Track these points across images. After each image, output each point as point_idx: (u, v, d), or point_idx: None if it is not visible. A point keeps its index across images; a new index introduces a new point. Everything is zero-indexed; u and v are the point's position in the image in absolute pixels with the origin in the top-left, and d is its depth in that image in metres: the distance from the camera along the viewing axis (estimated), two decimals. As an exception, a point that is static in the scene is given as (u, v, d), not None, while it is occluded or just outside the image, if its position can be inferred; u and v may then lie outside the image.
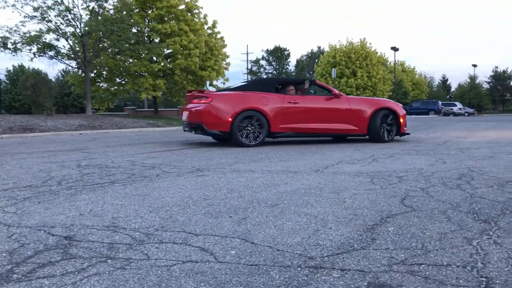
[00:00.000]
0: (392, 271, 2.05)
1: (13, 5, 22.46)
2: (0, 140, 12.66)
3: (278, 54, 58.35)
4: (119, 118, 23.99)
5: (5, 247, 2.47)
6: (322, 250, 2.37)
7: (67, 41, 24.35)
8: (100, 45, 25.49)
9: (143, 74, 27.88)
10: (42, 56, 24.02)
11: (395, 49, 53.45)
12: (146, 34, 28.56)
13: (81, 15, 24.09)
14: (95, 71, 27.52)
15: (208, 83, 31.03)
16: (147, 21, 29.06)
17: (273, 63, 58.86)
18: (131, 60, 27.34)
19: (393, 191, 4.00)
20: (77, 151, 8.55)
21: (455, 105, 53.48)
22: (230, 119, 8.78)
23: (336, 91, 9.97)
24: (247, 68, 60.62)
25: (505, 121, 26.07)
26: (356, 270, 2.07)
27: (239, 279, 1.97)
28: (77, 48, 25.06)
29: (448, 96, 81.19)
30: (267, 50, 58.97)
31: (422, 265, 2.12)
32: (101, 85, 29.53)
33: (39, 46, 23.36)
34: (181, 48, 27.61)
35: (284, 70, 58.73)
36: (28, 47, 23.06)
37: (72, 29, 24.23)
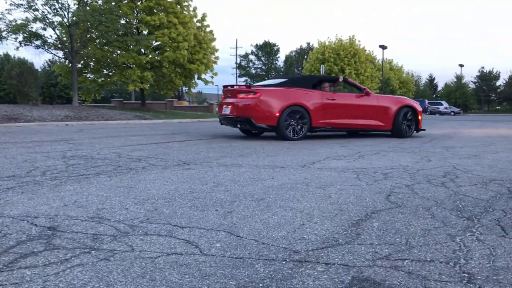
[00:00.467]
0: (376, 266, 2.07)
1: (-1, -7, 22.09)
2: (-17, 130, 12.47)
3: (267, 49, 58.24)
4: (106, 109, 23.79)
5: (-14, 236, 2.44)
6: (307, 244, 2.38)
7: (54, 30, 24.05)
8: (88, 36, 25.22)
9: (131, 66, 27.63)
10: (28, 45, 23.69)
11: (383, 47, 53.73)
12: (135, 26, 28.30)
13: (68, 5, 23.81)
14: (82, 62, 27.20)
15: (196, 76, 30.87)
16: (135, 12, 28.78)
17: (262, 58, 58.72)
18: (119, 52, 27.07)
19: (378, 187, 4.02)
20: (62, 142, 8.46)
21: (442, 104, 54.00)
22: (277, 114, 9.21)
23: (367, 89, 10.61)
24: (236, 63, 60.44)
25: (490, 121, 26.39)
26: (341, 265, 2.08)
27: (223, 272, 1.97)
28: (64, 38, 24.75)
29: (434, 95, 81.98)
30: (257, 45, 58.89)
31: (406, 261, 2.14)
32: (88, 76, 29.21)
33: (25, 35, 23.04)
34: (170, 41, 27.41)
35: (273, 66, 58.65)
36: (13, 36, 22.74)
37: (59, 19, 23.93)
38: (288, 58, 61.82)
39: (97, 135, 10.61)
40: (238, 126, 9.80)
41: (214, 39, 31.43)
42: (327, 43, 54.74)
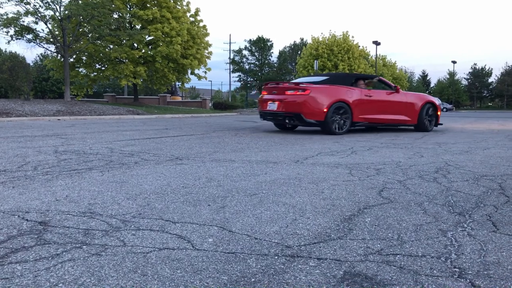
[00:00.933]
0: (368, 260, 2.07)
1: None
2: (-26, 124, 12.37)
3: (261, 45, 58.10)
4: (98, 104, 23.66)
5: (-23, 231, 2.42)
6: (300, 239, 2.38)
7: (46, 24, 23.85)
8: (80, 30, 25.04)
9: (124, 60, 27.50)
10: (19, 39, 23.48)
11: (376, 43, 53.81)
12: (128, 20, 28.12)
13: (61, -2, 23.58)
14: (74, 56, 27.02)
15: (189, 71, 30.77)
16: (128, 6, 28.60)
17: (256, 54, 58.58)
18: (111, 46, 26.92)
19: (371, 183, 4.03)
20: (54, 136, 8.41)
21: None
22: (325, 110, 9.79)
23: (398, 87, 11.42)
24: (229, 58, 60.27)
25: (482, 117, 26.55)
26: (333, 259, 2.08)
27: (216, 267, 1.97)
28: (56, 32, 24.55)
29: (427, 92, 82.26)
30: (250, 40, 58.70)
31: (398, 256, 2.14)
32: (80, 70, 29.03)
33: (16, 29, 22.83)
34: (163, 35, 27.29)
35: (266, 61, 58.54)
36: (5, 30, 22.54)
37: (51, 12, 23.74)
38: (281, 53, 61.72)
39: (90, 130, 10.56)
40: (287, 121, 10.22)
41: (207, 34, 31.33)
42: (320, 39, 54.70)
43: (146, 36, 27.69)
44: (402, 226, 2.66)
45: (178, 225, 2.59)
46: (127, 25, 28.08)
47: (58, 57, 26.70)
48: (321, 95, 9.88)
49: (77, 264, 1.97)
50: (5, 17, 22.03)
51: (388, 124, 11.20)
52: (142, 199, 3.24)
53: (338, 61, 52.32)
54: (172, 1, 28.97)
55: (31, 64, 50.05)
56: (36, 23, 23.57)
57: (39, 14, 23.22)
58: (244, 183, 3.94)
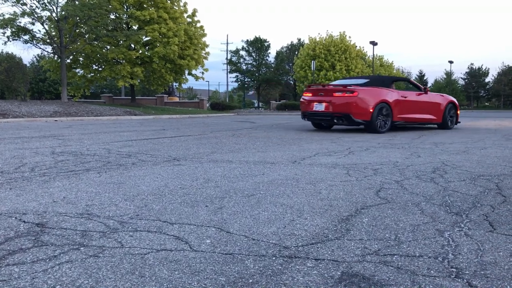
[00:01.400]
0: (365, 261, 2.08)
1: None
2: (-29, 125, 12.34)
3: (258, 45, 58.07)
4: (96, 105, 23.62)
5: (-26, 233, 2.41)
6: (297, 240, 2.38)
7: (42, 25, 23.83)
8: (77, 31, 25.00)
9: (121, 61, 27.46)
10: (16, 40, 23.45)
11: (373, 43, 53.87)
12: (125, 21, 28.09)
13: (57, -1, 23.55)
14: (71, 57, 26.97)
15: (186, 72, 30.75)
16: (125, 7, 28.57)
17: (253, 54, 58.55)
18: (108, 47, 26.88)
19: (368, 183, 4.04)
20: (51, 138, 8.39)
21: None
22: (371, 110, 10.55)
23: (427, 88, 12.43)
24: (226, 59, 60.24)
25: (479, 117, 26.60)
26: (330, 260, 2.08)
27: (213, 268, 1.97)
28: (53, 33, 24.51)
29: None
30: (247, 40, 58.64)
31: (395, 256, 2.15)
32: (77, 71, 28.98)
33: (13, 30, 22.79)
34: (160, 36, 27.27)
35: (264, 62, 58.52)
36: (1, 31, 22.50)
37: (48, 13, 23.69)
38: (279, 54, 61.70)
39: (87, 131, 10.54)
40: (335, 121, 10.84)
41: (204, 35, 31.33)
42: (317, 39, 54.75)
43: (143, 37, 27.66)
44: (399, 226, 2.66)
45: (176, 226, 2.59)
46: (124, 25, 28.06)
47: (55, 58, 26.64)
48: (367, 96, 10.62)
49: (75, 265, 1.97)
50: (1, 18, 21.97)
51: (418, 123, 12.11)
52: (140, 200, 3.23)
53: (335, 61, 52.37)
54: (169, 1, 28.97)
55: (28, 65, 49.95)
56: (33, 24, 23.56)
57: (36, 15, 23.19)
58: (242, 183, 3.94)
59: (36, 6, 23.15)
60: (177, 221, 2.71)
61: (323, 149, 6.91)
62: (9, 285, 1.76)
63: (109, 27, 25.47)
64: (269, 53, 59.41)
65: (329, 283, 1.83)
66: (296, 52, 60.07)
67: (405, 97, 11.51)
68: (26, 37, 23.64)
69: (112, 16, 26.99)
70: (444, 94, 13.24)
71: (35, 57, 54.77)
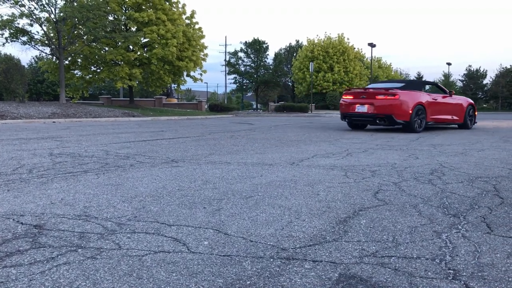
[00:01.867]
0: (363, 263, 2.08)
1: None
2: (-31, 127, 12.32)
3: (256, 47, 58.05)
4: (94, 106, 23.61)
5: (-29, 235, 2.41)
6: (295, 241, 2.38)
7: (41, 26, 23.78)
8: (75, 32, 24.99)
9: (119, 62, 27.45)
10: (14, 41, 23.41)
11: (372, 45, 53.94)
12: (123, 22, 28.08)
13: (56, 1, 23.54)
14: (69, 59, 26.95)
15: (185, 73, 30.74)
16: (124, 8, 28.57)
17: (252, 56, 58.54)
18: (107, 48, 26.87)
19: (366, 185, 4.04)
20: (49, 139, 8.38)
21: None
22: (410, 111, 11.48)
23: (453, 91, 13.50)
24: (225, 60, 60.16)
25: (477, 119, 26.59)
26: (328, 262, 2.09)
27: (211, 270, 1.97)
28: (51, 34, 24.49)
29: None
30: (246, 42, 58.59)
31: (393, 258, 2.15)
32: (75, 72, 28.96)
33: (11, 31, 22.76)
34: (158, 38, 27.27)
35: (262, 63, 58.52)
36: (-1, 32, 22.44)
37: (46, 15, 23.69)
38: (277, 55, 61.71)
39: (85, 132, 10.53)
40: (377, 121, 11.74)
41: (203, 36, 31.35)
42: (316, 41, 54.84)
43: (142, 38, 27.65)
44: (397, 228, 2.66)
45: (174, 228, 2.59)
46: (122, 27, 28.05)
47: (53, 59, 26.61)
48: (407, 99, 11.57)
49: (72, 267, 1.97)
50: (0, 19, 21.93)
51: (444, 123, 13.34)
52: (138, 202, 3.23)
53: (333, 63, 52.45)
54: (167, 3, 28.97)
55: (26, 66, 49.88)
56: (31, 25, 23.53)
57: (34, 16, 23.16)
58: (240, 185, 3.94)
59: (35, 8, 23.15)
60: (175, 222, 2.71)
61: (321, 150, 6.92)
62: (6, 287, 1.76)
63: (108, 28, 25.46)
64: (268, 54, 59.40)
65: (327, 285, 1.83)
66: (295, 54, 60.12)
67: (436, 99, 12.50)
68: (25, 38, 23.60)
69: (111, 18, 26.98)
70: (466, 97, 14.42)
71: (33, 58, 54.71)
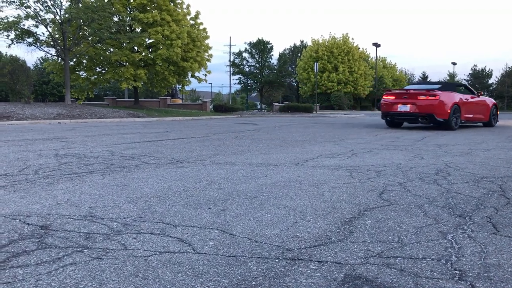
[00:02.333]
0: (368, 263, 2.08)
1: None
2: (-25, 128, 12.38)
3: (261, 47, 58.01)
4: (99, 107, 23.68)
5: (-22, 235, 2.42)
6: (300, 242, 2.38)
7: (46, 28, 23.87)
8: (80, 33, 25.06)
9: (124, 63, 27.51)
10: (20, 42, 23.50)
11: (376, 45, 53.87)
12: (128, 23, 28.14)
13: (61, 2, 23.62)
14: (75, 60, 27.04)
15: (190, 74, 30.77)
16: (128, 9, 28.64)
17: (256, 56, 58.53)
18: (112, 49, 26.94)
19: (371, 185, 4.04)
20: (55, 140, 8.42)
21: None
22: (449, 111, 12.62)
23: (481, 92, 14.79)
24: (229, 61, 60.18)
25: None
26: (333, 262, 2.09)
27: (216, 270, 1.97)
28: (57, 36, 24.58)
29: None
30: (250, 42, 58.58)
31: (398, 258, 2.15)
32: (80, 73, 29.04)
33: (17, 33, 22.85)
34: (163, 38, 27.30)
35: (266, 64, 58.51)
36: (5, 33, 22.53)
37: (51, 16, 23.77)
38: (282, 56, 61.68)
39: (90, 133, 10.57)
40: (419, 120, 12.91)
41: (207, 37, 31.36)
42: (320, 41, 54.79)
43: (147, 39, 27.70)
44: (402, 228, 2.66)
45: (179, 229, 2.60)
46: (127, 28, 28.12)
47: (59, 61, 26.71)
48: (446, 99, 12.65)
49: (79, 268, 1.98)
50: (5, 20, 22.04)
51: (472, 122, 14.42)
52: (143, 203, 3.24)
53: (338, 63, 52.37)
54: (172, 4, 29.00)
55: (32, 67, 50.14)
56: (37, 26, 23.61)
57: (40, 18, 23.25)
58: (245, 186, 3.95)
59: (40, 9, 23.23)
60: (181, 223, 2.71)
61: (326, 151, 6.91)
62: (13, 287, 1.77)
63: (112, 29, 25.52)
64: (272, 55, 59.28)
65: (332, 285, 1.83)
66: (299, 54, 60.08)
67: (467, 99, 13.63)
68: (30, 39, 23.69)
69: (116, 19, 27.04)
70: (490, 98, 15.66)
71: (38, 59, 54.98)
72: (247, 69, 59.21)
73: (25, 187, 3.80)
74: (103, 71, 28.67)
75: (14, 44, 23.26)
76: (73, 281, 1.84)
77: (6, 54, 47.93)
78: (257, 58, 58.88)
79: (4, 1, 22.17)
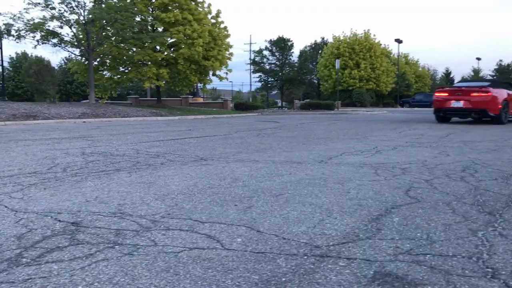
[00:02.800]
0: (398, 260, 2.06)
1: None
2: (3, 127, 12.69)
3: (281, 45, 57.88)
4: (122, 106, 23.99)
5: (13, 232, 2.49)
6: (328, 239, 2.38)
7: (70, 28, 24.28)
8: (104, 33, 25.40)
9: (147, 63, 27.78)
10: (45, 43, 23.95)
11: (399, 41, 53.23)
12: (150, 23, 28.40)
13: (84, 3, 23.99)
14: (98, 59, 27.42)
15: (211, 73, 30.90)
16: (150, 9, 28.89)
17: (276, 54, 58.43)
18: (134, 49, 27.23)
19: (397, 182, 4.00)
20: (81, 138, 8.57)
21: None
22: (500, 106, 13.68)
23: None
24: (250, 59, 60.25)
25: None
26: (362, 259, 2.08)
27: (246, 266, 1.99)
28: (81, 36, 24.97)
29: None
30: (270, 40, 58.51)
31: (428, 255, 2.13)
32: (104, 73, 29.45)
33: (42, 34, 23.29)
34: (185, 37, 27.47)
35: (287, 61, 58.37)
36: (31, 34, 22.99)
37: (75, 17, 24.15)
38: (302, 53, 61.43)
39: (115, 131, 10.72)
40: (472, 115, 13.91)
41: (228, 35, 31.41)
42: (342, 38, 54.39)
43: (168, 39, 27.92)
44: (430, 225, 2.63)
45: (207, 225, 2.62)
46: (149, 27, 28.38)
47: (82, 60, 27.12)
48: (497, 95, 13.69)
49: (111, 263, 2.02)
50: (31, 22, 22.49)
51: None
52: (170, 200, 3.28)
53: (359, 59, 51.91)
54: (193, 3, 29.15)
55: (56, 67, 51.04)
56: (61, 27, 24.03)
57: (64, 19, 23.65)
58: (269, 183, 3.96)
59: (65, 10, 23.62)
60: (208, 220, 2.74)
61: (350, 148, 6.87)
62: (49, 282, 1.82)
63: (135, 29, 25.79)
64: (293, 52, 59.07)
65: (362, 282, 1.83)
66: (320, 51, 59.73)
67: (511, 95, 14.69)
68: (55, 40, 24.13)
69: (138, 19, 27.32)
70: None
71: (62, 59, 55.92)
72: (267, 67, 59.18)
73: (54, 184, 3.88)
74: (126, 71, 29.01)
75: (40, 44, 23.72)
76: (106, 276, 1.88)
77: (31, 55, 48.89)
78: (278, 56, 58.78)
79: (30, 3, 22.62)
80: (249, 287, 1.78)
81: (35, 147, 6.92)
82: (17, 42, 23.49)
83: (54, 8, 23.19)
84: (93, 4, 24.33)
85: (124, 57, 27.53)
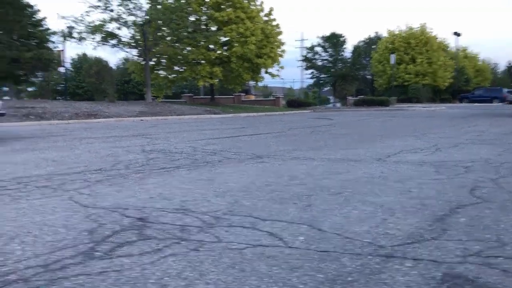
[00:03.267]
0: (467, 262, 2.00)
1: (79, -5, 23.39)
2: (67, 126, 13.31)
3: (333, 41, 57.09)
4: (177, 105, 24.55)
5: (84, 226, 2.62)
6: (392, 239, 2.35)
7: (128, 29, 25.10)
8: (159, 34, 26.07)
9: (201, 62, 28.26)
10: (105, 44, 24.89)
11: (457, 34, 51.20)
12: (204, 22, 28.86)
13: (141, 4, 24.72)
14: (154, 59, 28.18)
15: (263, 70, 31.00)
16: (204, 9, 29.35)
17: (329, 50, 57.73)
18: (189, 48, 27.76)
19: (460, 181, 3.87)
20: (140, 136, 8.85)
21: (522, 93, 50.41)
22: None
23: None
24: (302, 56, 59.87)
25: None
26: (429, 260, 2.03)
27: (310, 265, 1.99)
28: (137, 37, 25.75)
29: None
30: (323, 36, 57.87)
31: (499, 258, 2.05)
32: (160, 72, 30.23)
33: (102, 35, 24.22)
34: (238, 36, 27.72)
35: (339, 57, 57.56)
36: (92, 36, 23.97)
37: (133, 18, 24.93)
38: (356, 48, 60.36)
39: (171, 129, 11.00)
40: None
41: (280, 33, 31.39)
42: (396, 32, 52.99)
43: (222, 37, 28.26)
44: (500, 227, 2.53)
45: (268, 223, 2.65)
46: (203, 27, 28.84)
47: (139, 61, 27.96)
48: None
49: (179, 259, 2.08)
50: (92, 25, 23.44)
51: None
52: (230, 197, 3.34)
53: (415, 54, 50.38)
54: (246, 1, 29.34)
55: (114, 67, 52.84)
56: (119, 28, 24.90)
57: (122, 20, 24.47)
58: (327, 181, 3.94)
59: (123, 12, 24.45)
60: (269, 217, 2.77)
61: (408, 146, 6.70)
62: (122, 275, 1.90)
63: (189, 29, 26.30)
64: (345, 48, 58.12)
65: (431, 283, 1.79)
66: (374, 46, 58.49)
67: None
68: (114, 41, 25.06)
69: (192, 18, 27.83)
70: None
71: (120, 60, 57.84)
72: (319, 63, 58.61)
73: (119, 181, 4.04)
74: (181, 70, 29.63)
75: (100, 45, 24.69)
76: (175, 271, 1.94)
77: (91, 56, 50.88)
78: (330, 52, 58.08)
79: (91, 6, 23.58)
80: (316, 286, 1.79)
81: (98, 145, 7.22)
82: (79, 44, 24.52)
83: (112, 11, 24.06)
84: (149, 5, 25.02)
85: (179, 57, 28.12)
